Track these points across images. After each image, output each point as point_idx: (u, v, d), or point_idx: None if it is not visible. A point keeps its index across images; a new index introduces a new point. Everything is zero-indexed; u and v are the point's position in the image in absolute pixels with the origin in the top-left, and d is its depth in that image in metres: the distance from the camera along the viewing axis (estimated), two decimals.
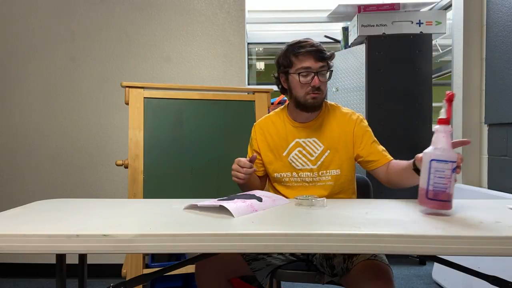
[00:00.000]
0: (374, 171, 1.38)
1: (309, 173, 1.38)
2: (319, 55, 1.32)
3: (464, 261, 1.18)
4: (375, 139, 1.42)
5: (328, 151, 1.38)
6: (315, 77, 1.31)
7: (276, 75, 1.44)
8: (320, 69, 1.32)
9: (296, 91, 1.36)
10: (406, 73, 2.66)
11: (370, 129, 1.43)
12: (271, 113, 1.53)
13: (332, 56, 1.37)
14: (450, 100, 0.98)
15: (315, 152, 1.38)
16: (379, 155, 1.37)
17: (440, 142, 0.97)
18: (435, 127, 0.99)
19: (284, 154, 1.42)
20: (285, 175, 1.41)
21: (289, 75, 1.36)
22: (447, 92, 0.99)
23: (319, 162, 1.38)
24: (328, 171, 1.38)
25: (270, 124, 1.47)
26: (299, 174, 1.39)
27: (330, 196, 1.38)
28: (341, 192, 1.40)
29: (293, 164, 1.40)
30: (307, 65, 1.31)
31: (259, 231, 0.83)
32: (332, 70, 1.38)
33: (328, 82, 1.39)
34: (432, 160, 0.97)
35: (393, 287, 1.11)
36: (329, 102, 1.47)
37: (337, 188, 1.39)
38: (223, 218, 0.95)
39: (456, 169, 0.97)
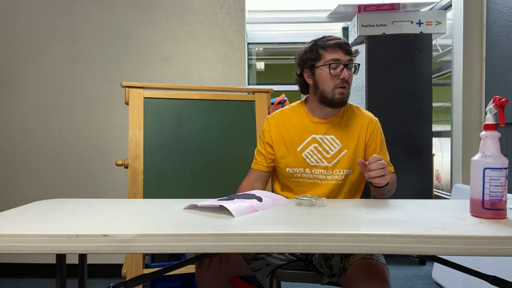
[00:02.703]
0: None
1: (323, 170, 1.37)
2: (348, 48, 1.33)
3: (464, 261, 1.18)
4: (385, 148, 1.43)
5: (346, 150, 1.38)
6: (344, 69, 1.31)
7: (298, 72, 1.43)
8: (348, 62, 1.33)
9: (325, 84, 1.34)
10: (406, 73, 2.66)
11: (384, 137, 1.44)
12: (286, 107, 1.50)
13: (357, 53, 1.39)
14: (502, 106, 0.96)
15: (332, 150, 1.38)
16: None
17: (489, 149, 0.95)
18: (482, 133, 0.96)
19: (299, 149, 1.39)
20: (297, 171, 1.39)
21: (316, 68, 1.35)
22: (496, 97, 0.96)
23: (334, 160, 1.37)
24: (342, 170, 1.37)
25: (286, 118, 1.45)
26: (313, 170, 1.38)
27: (339, 195, 1.39)
28: (349, 191, 1.40)
29: (307, 160, 1.38)
30: (337, 57, 1.31)
31: (259, 231, 0.83)
32: (359, 64, 1.38)
33: None
34: (485, 168, 0.94)
35: (389, 286, 1.11)
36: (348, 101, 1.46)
37: (346, 188, 1.39)
38: (223, 218, 0.95)
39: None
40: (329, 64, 1.31)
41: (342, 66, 1.31)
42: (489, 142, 0.95)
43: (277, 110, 1.51)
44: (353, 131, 1.39)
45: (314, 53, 1.34)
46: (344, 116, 1.41)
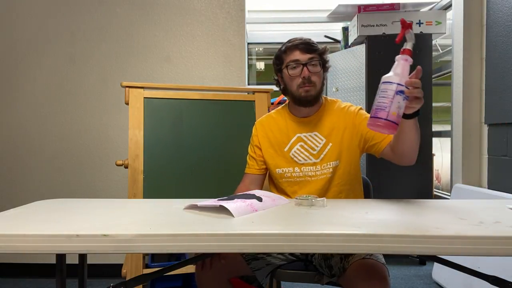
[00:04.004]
0: (383, 153, 1.34)
1: (312, 167, 1.39)
2: (306, 47, 1.36)
3: (464, 261, 1.18)
4: None
5: (330, 144, 1.39)
6: (304, 68, 1.34)
7: (275, 77, 1.48)
8: (309, 60, 1.35)
9: (289, 85, 1.39)
10: None
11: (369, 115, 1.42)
12: (272, 111, 1.55)
13: (323, 50, 1.40)
14: (404, 25, 1.05)
15: (317, 146, 1.39)
16: (382, 135, 1.34)
17: (394, 68, 1.03)
18: (397, 56, 1.05)
19: (286, 149, 1.43)
20: (287, 171, 1.41)
21: (282, 72, 1.41)
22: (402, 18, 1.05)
23: (322, 155, 1.39)
24: (329, 163, 1.38)
25: (271, 121, 1.50)
26: (302, 168, 1.40)
27: (331, 188, 1.38)
28: (340, 184, 1.39)
29: (295, 159, 1.41)
30: (295, 58, 1.36)
31: (259, 231, 0.83)
32: (326, 62, 1.40)
33: (328, 81, 1.39)
34: (382, 82, 1.03)
35: (389, 286, 1.11)
36: (329, 98, 1.49)
37: (337, 180, 1.39)
38: (223, 218, 0.95)
39: (406, 96, 1.01)
40: (287, 66, 1.37)
41: (301, 65, 1.35)
42: (396, 63, 1.03)
43: (264, 115, 1.56)
44: (335, 124, 1.41)
45: (278, 57, 1.41)
46: (325, 111, 1.44)
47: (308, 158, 1.40)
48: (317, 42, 1.42)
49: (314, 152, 1.39)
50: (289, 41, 1.40)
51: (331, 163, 1.38)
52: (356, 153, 1.41)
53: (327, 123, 1.41)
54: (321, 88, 1.41)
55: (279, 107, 1.54)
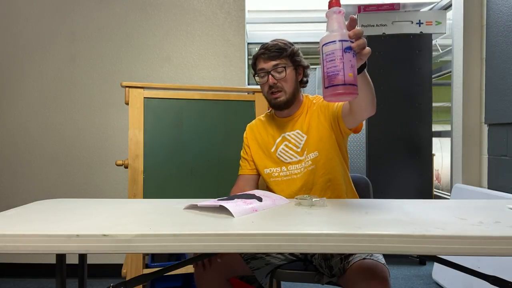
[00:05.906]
0: (346, 121, 1.33)
1: (297, 165, 1.41)
2: (269, 55, 1.37)
3: (464, 261, 1.18)
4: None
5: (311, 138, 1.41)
6: (269, 76, 1.37)
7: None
8: (273, 67, 1.37)
9: (262, 92, 1.45)
10: (406, 73, 2.66)
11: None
12: (262, 115, 1.60)
13: (292, 52, 1.38)
14: None
15: (300, 143, 1.41)
16: (336, 110, 1.36)
17: (329, 26, 0.91)
18: (327, 11, 0.93)
19: (272, 150, 1.46)
20: (274, 170, 1.44)
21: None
22: None
23: (305, 152, 1.40)
24: (308, 155, 1.39)
25: (260, 124, 1.54)
26: (288, 167, 1.42)
27: (316, 179, 1.38)
28: (325, 173, 1.39)
29: (281, 158, 1.43)
30: (260, 67, 1.40)
31: (259, 231, 0.82)
32: (298, 62, 1.40)
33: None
34: (323, 45, 0.90)
35: (389, 286, 1.11)
36: (310, 95, 1.50)
37: (321, 170, 1.38)
38: (223, 218, 0.95)
39: (354, 52, 0.89)
40: (256, 74, 1.42)
41: (267, 73, 1.38)
42: (334, 18, 0.92)
43: (255, 119, 1.61)
44: (310, 119, 1.42)
45: (252, 66, 1.46)
46: (305, 109, 1.46)
47: (293, 157, 1.42)
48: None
49: (298, 150, 1.41)
50: (259, 49, 1.43)
51: (310, 155, 1.39)
52: (331, 138, 1.39)
53: (307, 120, 1.43)
54: (293, 90, 1.40)
55: (268, 111, 1.58)
